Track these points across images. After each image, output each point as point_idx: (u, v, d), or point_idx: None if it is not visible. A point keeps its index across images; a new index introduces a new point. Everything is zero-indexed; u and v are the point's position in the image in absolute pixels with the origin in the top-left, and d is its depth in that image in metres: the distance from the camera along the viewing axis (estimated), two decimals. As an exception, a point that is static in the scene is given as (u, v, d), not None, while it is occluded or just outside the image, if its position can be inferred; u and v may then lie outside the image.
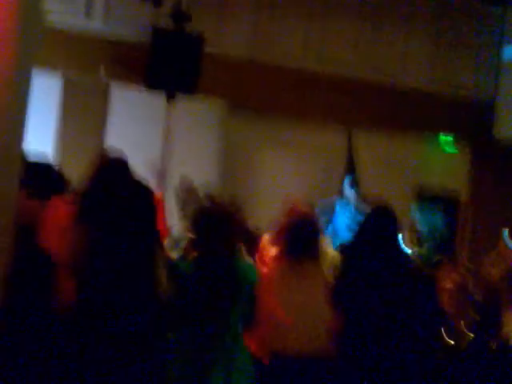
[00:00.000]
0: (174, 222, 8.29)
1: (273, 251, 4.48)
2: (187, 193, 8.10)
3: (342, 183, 10.91)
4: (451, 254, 11.02)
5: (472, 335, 4.31)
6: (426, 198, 11.98)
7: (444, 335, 4.28)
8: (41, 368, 3.45)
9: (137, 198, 3.51)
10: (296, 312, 4.03)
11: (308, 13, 11.28)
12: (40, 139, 8.91)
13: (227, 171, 10.42)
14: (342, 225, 9.37)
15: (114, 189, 3.47)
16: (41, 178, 4.50)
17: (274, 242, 4.50)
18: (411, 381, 3.62)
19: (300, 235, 4.20)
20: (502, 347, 3.15)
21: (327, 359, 3.84)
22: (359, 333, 3.61)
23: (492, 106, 12.19)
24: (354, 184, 9.84)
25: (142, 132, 9.82)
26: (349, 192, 9.80)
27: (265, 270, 4.39)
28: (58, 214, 4.04)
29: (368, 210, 4.08)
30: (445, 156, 12.19)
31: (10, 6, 3.88)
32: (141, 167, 9.40)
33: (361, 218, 4.24)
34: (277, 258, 4.32)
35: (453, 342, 4.29)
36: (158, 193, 3.97)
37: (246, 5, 10.87)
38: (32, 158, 4.71)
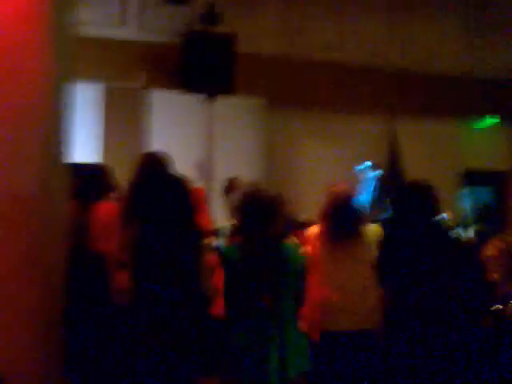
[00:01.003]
0: (220, 214, 8.44)
1: (317, 231, 4.52)
2: (230, 183, 8.24)
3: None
4: (499, 227, 10.94)
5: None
6: (473, 179, 11.97)
7: (491, 301, 4.29)
8: (105, 355, 3.63)
9: (177, 195, 3.60)
10: (342, 290, 4.10)
11: (340, 5, 11.28)
12: (86, 147, 9.18)
13: (270, 167, 10.49)
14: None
15: (155, 186, 3.58)
16: (90, 182, 4.65)
17: (318, 223, 4.57)
18: (459, 351, 3.64)
19: (342, 214, 4.30)
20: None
21: (375, 334, 3.90)
22: (405, 305, 3.64)
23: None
24: (376, 167, 9.81)
25: (185, 134, 9.96)
26: (371, 175, 9.77)
27: (309, 248, 4.46)
28: (107, 213, 4.17)
29: (403, 187, 4.11)
30: (488, 137, 12.05)
31: (40, 19, 4.04)
32: (187, 168, 9.66)
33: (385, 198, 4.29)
34: (321, 237, 4.38)
35: (501, 307, 4.29)
36: (201, 189, 4.06)
37: (276, 2, 10.91)
38: (81, 165, 4.86)
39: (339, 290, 4.12)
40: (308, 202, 10.40)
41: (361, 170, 9.88)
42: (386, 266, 3.70)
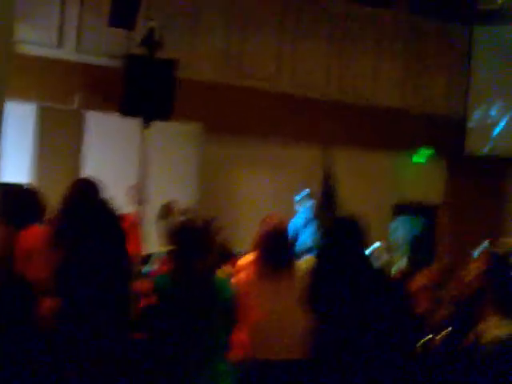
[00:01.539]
0: (154, 239, 8.37)
1: (250, 260, 4.56)
2: (165, 209, 8.18)
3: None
4: (430, 258, 11.22)
5: (445, 331, 4.41)
6: (404, 210, 12.26)
7: (421, 333, 4.38)
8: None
9: (106, 221, 3.59)
10: (271, 317, 4.15)
11: (279, 37, 11.48)
12: (17, 167, 8.97)
13: (205, 193, 10.49)
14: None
15: (84, 212, 3.56)
16: (18, 206, 4.55)
17: (252, 251, 4.62)
18: (385, 381, 3.71)
19: (275, 245, 4.35)
20: (474, 344, 3.24)
21: (303, 362, 3.94)
22: (331, 336, 3.71)
23: (463, 124, 12.50)
24: (311, 197, 9.91)
25: (120, 157, 9.88)
26: (304, 204, 9.86)
27: (242, 276, 4.50)
28: (34, 238, 4.11)
29: (330, 221, 4.21)
30: (420, 170, 12.39)
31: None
32: (119, 192, 9.56)
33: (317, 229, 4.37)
34: (254, 266, 4.42)
35: (431, 336, 4.38)
36: (132, 215, 4.04)
37: (216, 29, 11.03)
38: (9, 187, 4.76)
39: (268, 318, 4.16)
40: (243, 229, 10.49)
41: (298, 199, 9.98)
42: (311, 298, 3.76)
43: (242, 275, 4.51)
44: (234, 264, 5.25)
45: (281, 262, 4.28)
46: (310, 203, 9.93)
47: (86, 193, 4.01)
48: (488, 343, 3.20)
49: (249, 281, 4.39)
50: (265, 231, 4.47)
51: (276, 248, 4.35)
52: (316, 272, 3.83)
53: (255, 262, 4.44)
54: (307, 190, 10.01)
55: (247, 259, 4.61)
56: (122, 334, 3.51)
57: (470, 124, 12.54)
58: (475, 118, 12.51)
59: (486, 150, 12.36)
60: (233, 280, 4.48)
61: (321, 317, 3.69)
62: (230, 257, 5.97)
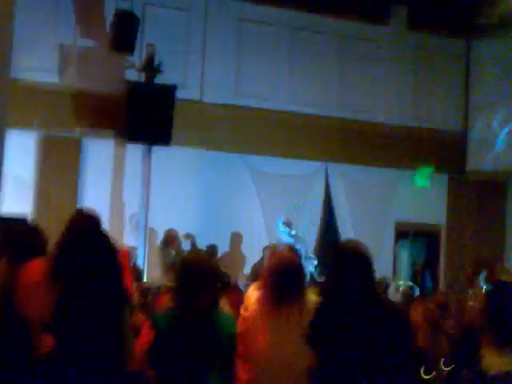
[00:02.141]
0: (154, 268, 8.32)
1: (257, 292, 4.50)
2: (169, 236, 8.15)
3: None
4: (430, 286, 11.17)
5: (447, 369, 4.33)
6: (405, 233, 12.16)
7: (420, 371, 4.29)
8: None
9: (104, 257, 3.55)
10: (275, 353, 4.07)
11: (276, 56, 11.50)
12: (18, 194, 8.96)
13: (209, 216, 10.45)
14: None
15: (82, 248, 3.52)
16: (19, 241, 4.54)
17: (258, 286, 4.55)
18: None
19: (284, 278, 4.25)
20: (478, 380, 3.17)
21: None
22: (334, 374, 3.62)
23: (464, 139, 12.47)
24: (287, 224, 9.67)
25: (120, 184, 9.86)
26: (281, 232, 9.62)
27: (247, 313, 4.43)
28: (33, 273, 4.08)
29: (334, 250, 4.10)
30: (420, 190, 12.30)
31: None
32: (119, 219, 9.55)
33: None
34: (261, 299, 4.35)
35: (428, 377, 4.30)
36: (126, 250, 3.98)
37: (214, 52, 11.04)
38: (9, 220, 4.74)
39: (271, 354, 4.09)
40: (245, 251, 10.46)
41: (277, 226, 9.71)
42: (316, 334, 3.66)
43: (247, 308, 4.47)
44: (233, 294, 5.20)
45: (290, 296, 4.17)
46: (289, 231, 9.62)
47: (83, 227, 3.97)
48: (493, 377, 3.14)
49: (257, 315, 4.34)
50: (273, 264, 4.39)
51: (285, 281, 4.26)
52: (320, 310, 3.72)
53: (264, 294, 4.37)
54: (283, 217, 9.77)
55: (254, 291, 4.54)
56: (119, 371, 3.44)
57: (471, 139, 12.50)
58: (476, 132, 12.48)
59: (488, 164, 12.28)
60: (242, 313, 4.44)
61: (323, 356, 3.60)
62: (229, 285, 5.91)
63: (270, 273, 4.32)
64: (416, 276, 11.60)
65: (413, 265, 12.03)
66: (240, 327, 4.16)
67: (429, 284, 11.44)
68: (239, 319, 4.45)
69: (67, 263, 3.64)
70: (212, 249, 9.21)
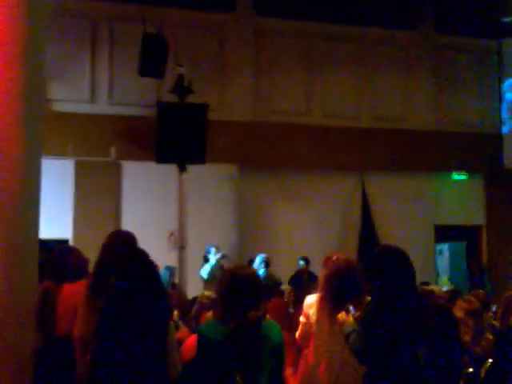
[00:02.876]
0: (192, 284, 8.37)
1: (314, 301, 4.51)
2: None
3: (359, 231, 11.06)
4: (471, 285, 10.99)
5: (490, 360, 4.28)
6: (445, 234, 12.04)
7: (465, 363, 4.25)
8: None
9: (145, 271, 3.58)
10: (330, 360, 4.09)
11: (307, 69, 11.55)
12: (57, 221, 9.15)
13: (243, 232, 10.50)
14: None
15: (122, 264, 3.56)
16: (61, 263, 4.64)
17: (318, 292, 4.56)
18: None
19: (342, 283, 4.24)
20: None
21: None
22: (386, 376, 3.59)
23: (499, 137, 12.31)
24: (266, 264, 9.51)
25: (157, 203, 9.98)
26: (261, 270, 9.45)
27: (303, 320, 4.46)
28: (73, 294, 4.17)
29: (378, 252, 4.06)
30: (459, 190, 12.20)
31: (13, 97, 4.11)
32: (159, 238, 9.64)
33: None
34: (319, 306, 4.36)
35: (471, 370, 4.25)
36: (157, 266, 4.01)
37: (245, 68, 11.15)
38: (50, 243, 4.85)
39: (326, 361, 4.12)
40: (283, 263, 10.46)
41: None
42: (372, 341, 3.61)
43: (305, 317, 4.50)
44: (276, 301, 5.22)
45: (348, 302, 4.15)
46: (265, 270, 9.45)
47: (122, 244, 4.04)
48: None
49: (313, 321, 4.36)
50: (332, 270, 4.39)
51: (343, 287, 4.25)
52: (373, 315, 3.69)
53: (321, 301, 4.37)
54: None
55: (311, 300, 4.55)
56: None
57: (506, 137, 12.33)
58: (511, 130, 12.31)
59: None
60: (301, 320, 4.48)
61: (376, 366, 3.58)
62: (275, 290, 5.94)
63: (329, 278, 4.32)
64: (472, 277, 11.44)
65: (468, 266, 11.84)
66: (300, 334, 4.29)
67: (487, 285, 11.16)
68: (300, 326, 4.50)
69: (107, 281, 3.69)
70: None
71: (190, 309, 5.60)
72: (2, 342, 3.73)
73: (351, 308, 3.93)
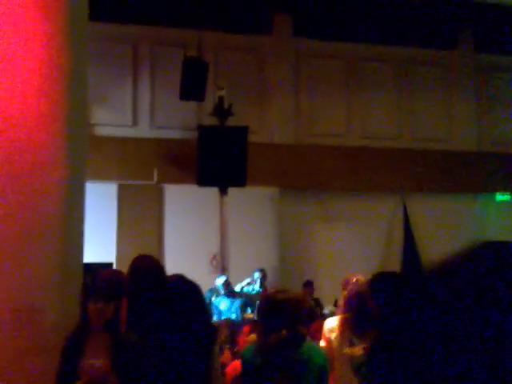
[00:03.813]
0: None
1: (334, 324, 4.44)
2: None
3: (402, 253, 10.91)
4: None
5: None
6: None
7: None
8: None
9: (183, 297, 3.56)
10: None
11: (347, 90, 11.52)
12: (101, 245, 9.23)
13: (284, 255, 10.45)
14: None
15: (161, 289, 3.54)
16: (104, 286, 4.65)
17: (338, 314, 4.49)
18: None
19: (363, 306, 4.18)
20: None
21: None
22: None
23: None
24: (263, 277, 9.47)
25: (199, 226, 10.01)
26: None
27: (324, 344, 4.39)
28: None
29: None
30: (502, 213, 11.96)
31: (56, 122, 4.17)
32: (201, 261, 9.66)
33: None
34: (341, 329, 4.29)
35: None
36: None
37: (284, 90, 11.17)
38: (95, 267, 4.86)
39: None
40: (324, 287, 10.36)
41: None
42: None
43: (325, 342, 4.43)
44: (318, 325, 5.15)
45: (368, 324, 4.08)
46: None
47: (153, 269, 3.98)
48: None
49: (335, 347, 4.29)
50: (352, 292, 4.33)
51: (364, 309, 4.18)
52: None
53: (342, 324, 4.31)
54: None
55: (334, 323, 4.48)
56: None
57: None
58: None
59: None
60: (321, 344, 4.40)
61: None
62: (314, 318, 5.86)
63: (349, 301, 4.27)
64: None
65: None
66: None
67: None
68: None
69: (147, 306, 3.66)
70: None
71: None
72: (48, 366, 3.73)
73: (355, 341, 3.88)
